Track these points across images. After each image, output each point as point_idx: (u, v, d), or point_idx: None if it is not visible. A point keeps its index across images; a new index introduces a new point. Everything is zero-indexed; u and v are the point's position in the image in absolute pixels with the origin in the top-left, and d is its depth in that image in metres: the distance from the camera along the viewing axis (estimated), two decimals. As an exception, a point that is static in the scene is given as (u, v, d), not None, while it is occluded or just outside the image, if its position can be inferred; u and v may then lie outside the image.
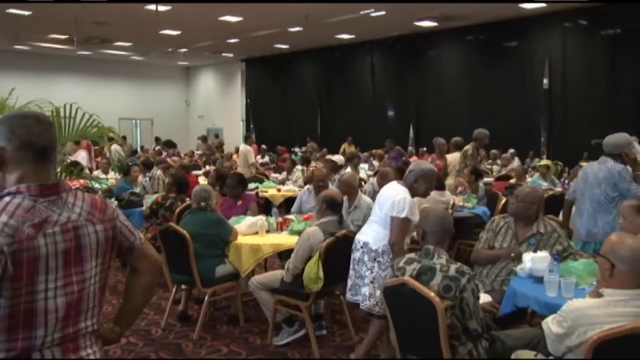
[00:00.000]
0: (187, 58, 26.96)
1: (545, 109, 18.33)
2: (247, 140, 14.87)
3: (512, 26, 18.22)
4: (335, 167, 10.29)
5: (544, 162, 13.24)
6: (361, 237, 5.05)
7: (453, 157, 10.77)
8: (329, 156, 13.55)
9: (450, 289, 3.54)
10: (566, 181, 11.67)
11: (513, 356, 3.58)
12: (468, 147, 9.87)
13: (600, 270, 3.13)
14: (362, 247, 4.98)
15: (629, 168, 5.57)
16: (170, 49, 23.17)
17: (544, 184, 10.89)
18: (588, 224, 5.62)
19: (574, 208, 6.06)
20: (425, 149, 18.14)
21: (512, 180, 10.86)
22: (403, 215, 4.69)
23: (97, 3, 14.60)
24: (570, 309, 3.02)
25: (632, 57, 16.26)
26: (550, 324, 3.11)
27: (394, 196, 4.84)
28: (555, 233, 4.89)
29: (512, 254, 4.76)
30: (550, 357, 3.26)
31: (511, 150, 15.94)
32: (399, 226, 4.69)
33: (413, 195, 4.90)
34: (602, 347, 2.84)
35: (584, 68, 17.34)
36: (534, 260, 4.28)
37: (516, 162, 14.89)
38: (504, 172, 13.25)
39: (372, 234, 4.93)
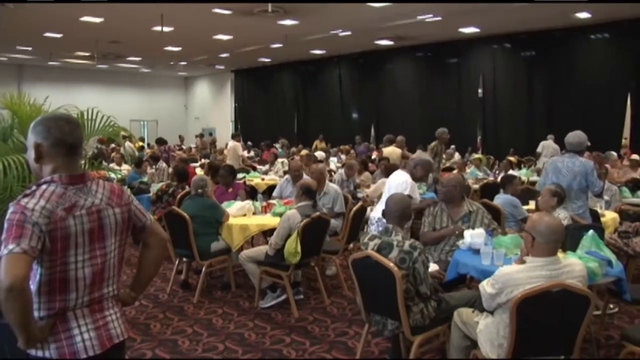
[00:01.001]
0: (186, 70, 26.85)
1: (479, 114, 18.56)
2: (234, 137, 15.01)
3: (453, 46, 18.40)
4: (317, 162, 10.32)
5: (476, 156, 13.44)
6: (376, 214, 5.30)
7: (388, 151, 10.97)
8: (317, 153, 13.57)
9: (405, 261, 3.58)
10: (497, 171, 11.83)
11: (455, 313, 3.63)
12: (433, 144, 9.85)
13: (525, 243, 3.21)
14: (377, 222, 5.25)
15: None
16: (172, 62, 23.14)
17: (480, 174, 11.03)
18: (565, 209, 5.47)
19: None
20: (392, 142, 18.26)
21: (455, 171, 10.97)
22: (406, 193, 5.08)
23: (114, 26, 14.97)
24: (500, 273, 3.09)
25: (543, 73, 16.87)
26: (485, 286, 3.18)
27: (398, 180, 5.46)
28: (480, 210, 5.02)
29: (457, 232, 4.85)
30: (485, 312, 3.34)
31: (453, 147, 16.08)
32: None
33: (413, 178, 5.45)
34: (525, 302, 2.92)
35: (509, 81, 17.70)
36: (472, 235, 4.35)
37: (457, 157, 15.03)
38: (447, 164, 13.36)
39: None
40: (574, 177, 5.57)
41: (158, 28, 14.75)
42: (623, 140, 15.79)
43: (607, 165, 8.86)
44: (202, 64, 24.23)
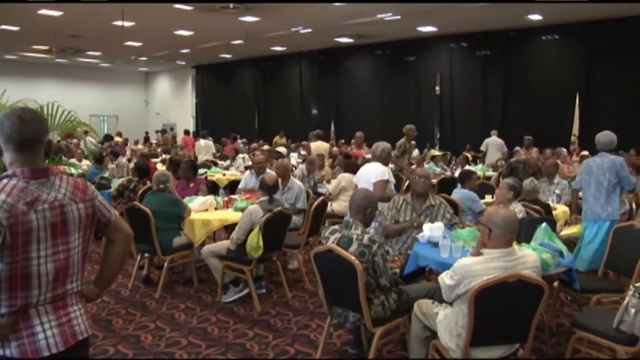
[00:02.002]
0: (146, 65, 26.57)
1: (437, 111, 18.81)
2: (205, 136, 15.34)
3: (412, 45, 18.60)
4: (279, 157, 10.27)
5: (432, 152, 13.62)
6: None
7: (315, 146, 11.05)
8: (279, 148, 13.51)
9: (364, 254, 3.60)
10: (454, 167, 12.01)
11: (415, 304, 3.66)
12: (400, 142, 9.78)
13: (481, 235, 3.27)
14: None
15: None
16: (133, 58, 22.82)
17: (437, 169, 11.17)
18: (593, 206, 5.67)
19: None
20: (343, 141, 18.37)
21: (413, 167, 11.07)
22: (385, 177, 5.69)
23: (73, 20, 14.66)
24: (459, 265, 3.14)
25: (498, 72, 17.25)
26: (444, 278, 3.23)
27: (376, 168, 5.80)
28: (443, 204, 5.11)
29: (415, 224, 4.91)
30: (444, 303, 3.39)
31: (412, 142, 16.22)
32: (381, 185, 5.60)
33: (383, 164, 5.91)
34: (482, 293, 2.97)
35: (465, 79, 18.00)
36: (431, 229, 4.41)
37: (416, 152, 15.17)
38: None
39: None
40: (603, 174, 5.63)
41: (119, 23, 14.47)
42: (572, 137, 16.23)
43: (558, 161, 9.07)
44: (163, 60, 23.92)
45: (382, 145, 6.07)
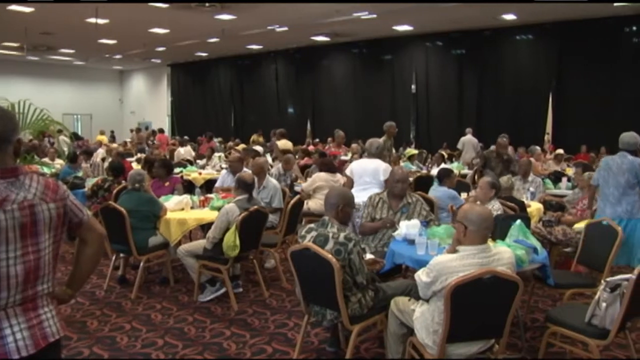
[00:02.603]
0: (121, 63, 26.30)
1: (413, 109, 18.95)
2: (184, 144, 15.19)
3: (388, 43, 18.70)
4: (256, 155, 10.22)
5: (410, 151, 13.68)
6: (364, 199, 5.44)
7: (282, 144, 11.05)
8: (256, 147, 13.46)
9: (341, 252, 3.59)
10: (429, 165, 12.09)
11: (392, 301, 3.68)
12: (382, 139, 9.72)
13: (457, 232, 3.30)
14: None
15: None
16: (107, 56, 22.54)
17: (413, 167, 11.23)
18: (613, 205, 5.70)
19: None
20: (318, 139, 18.40)
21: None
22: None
23: (45, 16, 14.37)
24: (435, 262, 3.15)
25: (473, 71, 17.48)
26: (421, 275, 3.24)
27: (380, 165, 6.13)
28: (419, 202, 5.13)
29: (389, 224, 4.93)
30: (420, 300, 3.41)
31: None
32: None
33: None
34: (458, 289, 2.99)
35: (441, 78, 18.15)
36: (407, 227, 4.43)
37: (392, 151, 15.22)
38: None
39: None
40: (622, 174, 5.67)
41: (92, 20, 14.27)
42: (546, 136, 16.46)
43: (532, 159, 9.19)
44: (138, 58, 23.71)
45: (376, 142, 6.40)
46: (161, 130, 19.91)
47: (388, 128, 9.46)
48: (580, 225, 5.74)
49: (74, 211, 2.26)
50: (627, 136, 5.83)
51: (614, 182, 5.71)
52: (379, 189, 5.88)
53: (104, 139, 19.07)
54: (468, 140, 13.94)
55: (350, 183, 6.38)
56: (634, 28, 14.65)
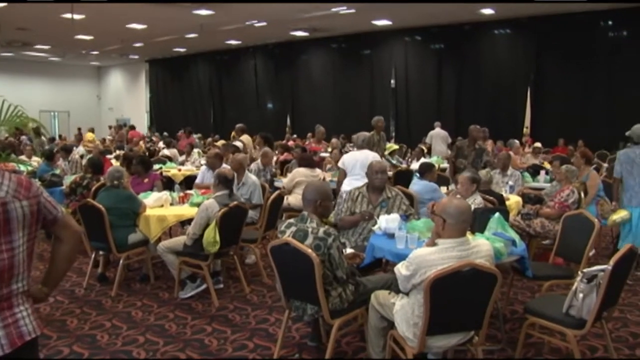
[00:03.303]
0: (98, 59, 26.04)
1: (392, 104, 19.00)
2: (170, 145, 14.78)
3: (367, 38, 18.71)
4: (237, 150, 10.17)
5: (391, 146, 13.70)
6: (345, 187, 5.99)
7: (244, 139, 11.03)
8: (236, 142, 13.38)
9: (320, 247, 3.60)
10: (409, 159, 12.14)
11: (372, 295, 3.70)
12: (370, 134, 9.65)
13: (436, 225, 3.33)
14: None
15: None
16: (84, 52, 22.29)
17: (393, 161, 11.27)
18: (639, 194, 6.01)
19: None
20: (295, 135, 18.41)
21: (369, 160, 11.09)
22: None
23: (20, 11, 14.12)
24: (414, 255, 3.18)
25: (452, 66, 17.54)
26: (400, 269, 3.26)
27: (368, 156, 6.49)
28: (399, 196, 5.16)
29: (367, 217, 4.95)
30: (400, 294, 3.43)
31: (382, 134, 16.27)
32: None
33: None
34: (437, 282, 3.02)
35: (420, 73, 18.23)
36: (387, 221, 4.45)
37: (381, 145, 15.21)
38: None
39: None
40: None
41: (68, 16, 14.07)
42: (525, 129, 16.62)
43: (511, 152, 9.29)
44: (115, 54, 23.47)
45: (362, 135, 6.96)
46: (132, 127, 19.72)
47: (376, 122, 9.37)
48: (618, 215, 6.09)
49: (48, 208, 2.24)
50: (638, 128, 6.09)
51: (638, 173, 6.02)
52: None
53: (92, 136, 18.82)
54: (436, 133, 13.93)
55: (343, 175, 6.81)
56: (610, 22, 14.85)
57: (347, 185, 6.38)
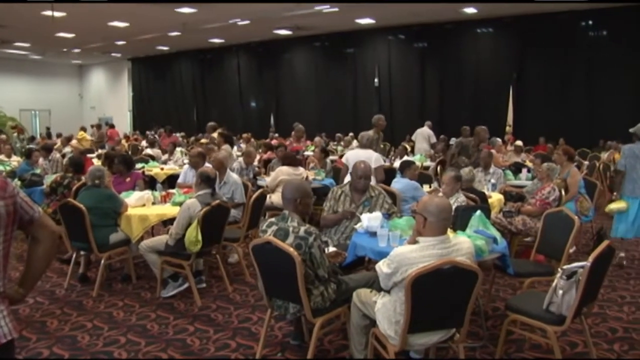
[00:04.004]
0: (80, 57, 25.77)
1: (376, 102, 19.04)
2: (153, 144, 14.66)
3: (350, 37, 18.75)
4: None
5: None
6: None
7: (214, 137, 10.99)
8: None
9: (301, 246, 3.59)
10: (392, 157, 12.16)
11: (354, 293, 3.69)
12: (371, 132, 9.52)
13: (417, 224, 3.33)
14: None
15: None
16: (65, 50, 22.05)
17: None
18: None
19: None
20: (277, 134, 18.40)
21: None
22: (381, 162, 6.97)
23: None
24: (395, 253, 3.18)
25: (435, 64, 17.71)
26: (382, 267, 3.27)
27: (371, 155, 6.84)
28: (382, 195, 5.17)
29: (348, 216, 4.96)
30: (382, 292, 3.44)
31: (351, 134, 16.33)
32: (381, 171, 6.82)
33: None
34: (418, 280, 3.02)
35: (403, 71, 18.31)
36: (369, 219, 4.45)
37: (355, 143, 15.23)
38: (346, 151, 13.55)
39: None
40: None
41: (48, 13, 13.92)
42: (507, 128, 16.75)
43: (493, 150, 9.35)
44: (97, 52, 23.27)
45: (366, 134, 7.44)
46: (112, 126, 19.55)
47: (376, 121, 9.08)
48: (617, 206, 6.58)
49: (25, 208, 2.21)
50: None
51: (632, 166, 6.49)
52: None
53: (85, 135, 18.57)
54: (420, 132, 13.97)
55: (345, 170, 7.13)
56: (590, 22, 15.02)
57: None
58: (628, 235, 6.66)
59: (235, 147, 14.11)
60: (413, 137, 14.21)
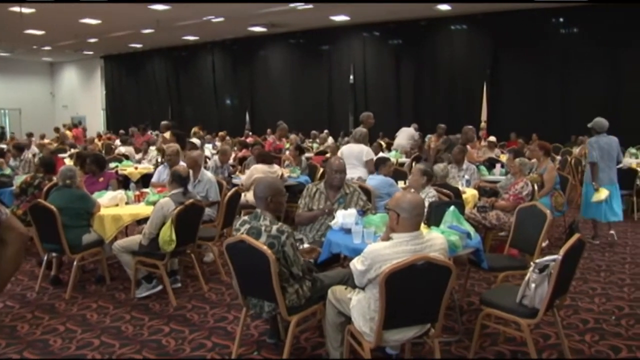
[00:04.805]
0: (51, 55, 25.35)
1: (351, 99, 19.10)
2: (125, 142, 14.22)
3: (325, 34, 18.76)
4: (194, 147, 9.99)
5: (347, 141, 13.73)
6: (351, 175, 6.57)
7: (167, 135, 10.93)
8: (193, 139, 13.12)
9: (274, 245, 3.57)
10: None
11: (329, 291, 3.69)
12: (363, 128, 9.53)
13: (390, 220, 3.34)
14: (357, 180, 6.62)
15: None
16: (35, 47, 21.64)
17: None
18: (609, 174, 7.18)
19: None
20: (252, 132, 18.36)
21: (327, 155, 11.14)
22: (372, 156, 7.42)
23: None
24: (369, 250, 3.19)
25: (410, 61, 17.78)
26: (356, 264, 3.27)
27: (363, 149, 7.53)
28: (357, 192, 5.18)
29: (327, 210, 4.95)
30: (357, 289, 3.44)
31: (326, 131, 16.35)
32: (372, 164, 7.14)
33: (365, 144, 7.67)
34: (392, 276, 3.03)
35: (378, 68, 18.37)
36: (344, 216, 4.45)
37: (330, 140, 15.29)
38: (321, 148, 13.58)
39: (359, 174, 7.15)
40: (613, 150, 7.19)
41: (16, 9, 13.65)
42: (482, 123, 16.90)
43: (468, 146, 9.42)
44: (69, 49, 22.90)
45: (360, 131, 7.90)
46: (75, 125, 19.23)
47: (365, 119, 9.20)
48: (604, 194, 7.15)
49: None
50: (603, 121, 7.21)
51: (607, 157, 7.13)
52: (362, 167, 7.34)
53: (71, 134, 18.23)
54: (406, 130, 13.99)
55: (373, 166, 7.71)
56: (561, 19, 15.23)
57: None
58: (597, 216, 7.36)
59: (210, 146, 14.06)
60: (397, 133, 14.21)
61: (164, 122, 12.63)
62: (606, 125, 7.19)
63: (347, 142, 9.26)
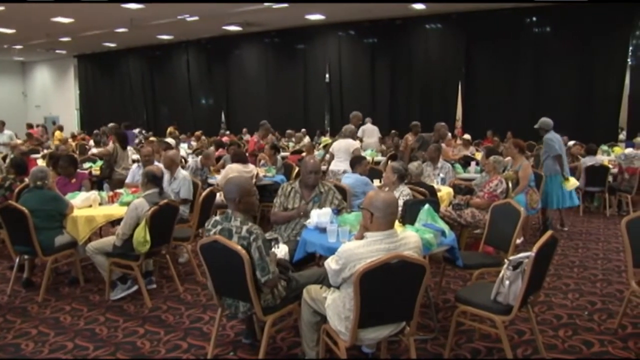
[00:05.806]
0: (22, 54, 24.86)
1: (327, 98, 19.14)
2: (99, 143, 14.22)
3: (300, 33, 18.75)
4: (169, 147, 9.90)
5: (323, 140, 13.76)
6: (340, 168, 7.86)
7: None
8: (168, 139, 12.99)
9: (244, 246, 3.53)
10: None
11: (305, 290, 3.68)
12: (351, 125, 9.62)
13: (363, 219, 3.34)
14: (343, 172, 7.33)
15: None
16: (5, 46, 21.28)
17: (327, 156, 11.27)
18: (564, 166, 7.73)
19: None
20: (228, 132, 18.26)
21: (304, 154, 11.12)
22: (357, 147, 8.23)
23: None
24: (343, 249, 3.18)
25: (385, 60, 17.85)
26: (330, 263, 3.26)
27: (352, 144, 8.25)
28: (332, 190, 5.16)
29: (301, 213, 4.94)
30: (332, 288, 3.44)
31: (303, 130, 16.33)
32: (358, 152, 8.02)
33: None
34: (366, 275, 3.03)
35: (354, 67, 18.45)
36: (319, 215, 4.44)
37: (306, 139, 15.28)
38: (297, 147, 13.56)
39: (347, 167, 7.46)
40: (564, 145, 8.07)
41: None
42: (457, 122, 17.03)
43: (443, 144, 9.48)
44: (41, 48, 22.50)
45: (348, 127, 8.62)
46: (30, 126, 18.88)
47: (352, 118, 10.00)
48: (574, 183, 7.85)
49: None
50: (548, 120, 7.86)
51: (562, 150, 7.79)
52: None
53: (62, 135, 17.87)
54: (366, 128, 13.88)
55: (331, 158, 8.41)
56: (534, 19, 15.42)
57: (333, 166, 8.22)
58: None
59: (185, 145, 13.95)
60: (359, 134, 14.15)
61: (110, 124, 12.49)
62: (552, 124, 7.86)
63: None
